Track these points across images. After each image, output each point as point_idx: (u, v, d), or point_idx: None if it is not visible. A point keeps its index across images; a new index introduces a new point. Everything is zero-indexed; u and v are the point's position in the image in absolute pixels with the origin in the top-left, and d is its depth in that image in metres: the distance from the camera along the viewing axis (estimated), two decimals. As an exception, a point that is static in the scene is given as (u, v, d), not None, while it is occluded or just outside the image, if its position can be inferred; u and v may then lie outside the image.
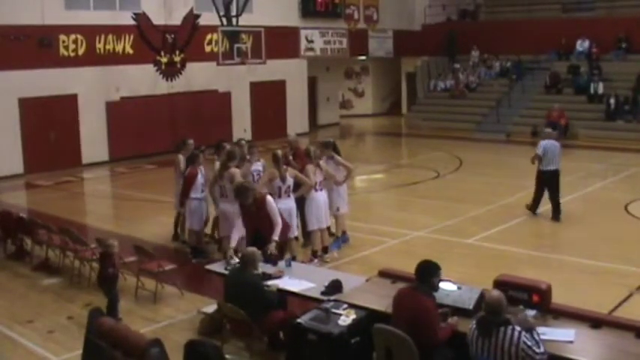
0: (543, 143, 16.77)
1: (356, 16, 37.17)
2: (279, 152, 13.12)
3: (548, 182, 16.70)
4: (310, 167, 13.14)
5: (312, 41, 34.41)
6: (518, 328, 6.73)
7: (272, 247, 10.81)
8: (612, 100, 30.51)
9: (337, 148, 14.32)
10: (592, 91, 31.87)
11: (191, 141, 15.02)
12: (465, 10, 40.60)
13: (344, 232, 14.46)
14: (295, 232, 12.84)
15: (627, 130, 29.40)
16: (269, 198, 11.52)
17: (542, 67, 35.04)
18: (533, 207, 17.05)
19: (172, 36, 28.19)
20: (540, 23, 35.73)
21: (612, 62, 33.13)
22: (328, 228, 13.91)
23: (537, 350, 6.69)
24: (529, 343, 6.66)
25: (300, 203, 13.63)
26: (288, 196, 12.64)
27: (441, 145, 29.35)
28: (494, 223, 16.28)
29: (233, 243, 11.03)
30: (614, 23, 33.82)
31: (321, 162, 13.46)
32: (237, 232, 11.23)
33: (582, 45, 34.44)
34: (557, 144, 16.89)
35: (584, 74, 32.99)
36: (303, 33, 33.96)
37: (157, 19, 27.56)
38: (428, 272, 7.63)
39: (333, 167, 13.81)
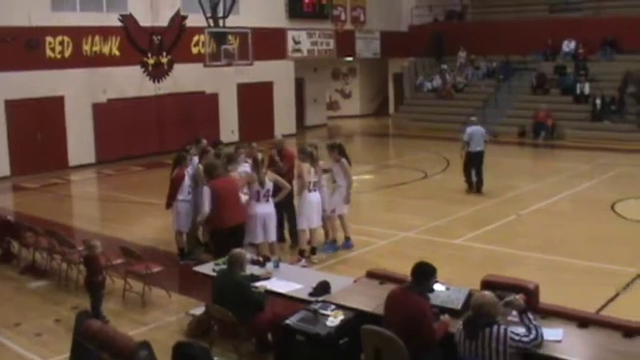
0: (468, 129, 19.52)
1: (343, 17, 37.17)
2: (260, 156, 13.13)
3: (475, 161, 19.25)
4: (306, 166, 13.17)
5: (299, 42, 34.40)
6: (504, 326, 6.76)
7: None
8: (599, 101, 30.65)
9: (343, 150, 14.23)
10: (578, 91, 31.99)
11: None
12: (452, 11, 40.71)
13: (334, 240, 14.32)
14: (274, 236, 12.81)
15: (614, 131, 29.51)
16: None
17: (529, 67, 35.19)
18: (470, 188, 19.47)
19: (159, 37, 28.15)
20: (527, 24, 35.82)
21: (599, 63, 33.31)
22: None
23: (526, 339, 6.73)
24: (517, 337, 6.71)
25: (287, 205, 13.70)
26: (267, 200, 12.59)
27: (429, 145, 29.39)
28: (482, 223, 16.34)
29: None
30: (600, 24, 33.96)
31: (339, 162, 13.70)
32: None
33: (569, 45, 34.61)
34: (482, 128, 19.63)
35: (570, 75, 33.13)
36: (290, 34, 33.95)
37: (144, 20, 27.53)
38: (425, 274, 7.67)
39: (338, 170, 13.89)
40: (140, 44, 27.62)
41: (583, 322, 7.61)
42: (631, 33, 32.27)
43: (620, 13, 34.13)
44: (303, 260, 13.08)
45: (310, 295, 9.00)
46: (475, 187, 19.42)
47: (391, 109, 41.07)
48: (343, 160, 13.91)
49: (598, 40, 33.57)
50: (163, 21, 28.24)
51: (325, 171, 13.93)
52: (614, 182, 21.46)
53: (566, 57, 34.44)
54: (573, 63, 33.73)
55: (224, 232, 11.87)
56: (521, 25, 35.76)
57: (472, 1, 41.14)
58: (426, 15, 40.20)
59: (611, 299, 11.11)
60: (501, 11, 38.91)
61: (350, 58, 39.47)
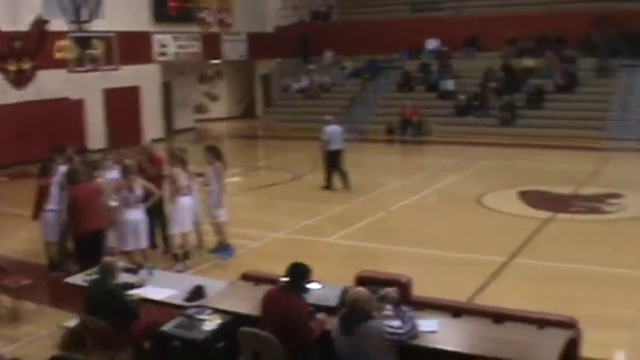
0: (327, 129, 20.02)
1: (209, 19, 36.94)
2: (128, 162, 13.03)
3: (335, 159, 19.78)
4: (177, 170, 13.10)
5: (165, 46, 34.04)
6: (379, 320, 6.89)
7: None
8: (462, 97, 31.50)
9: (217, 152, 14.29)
10: (443, 88, 32.79)
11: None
12: (318, 12, 40.94)
13: (226, 244, 14.23)
14: (145, 242, 12.69)
15: (477, 125, 30.37)
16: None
17: (395, 66, 35.81)
18: (327, 185, 19.93)
19: (20, 43, 27.32)
20: (391, 23, 36.44)
21: (461, 60, 34.23)
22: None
23: (402, 331, 6.89)
24: (392, 330, 6.86)
25: (158, 210, 13.60)
26: (137, 206, 12.47)
27: (297, 146, 29.49)
28: (352, 220, 16.56)
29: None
30: (461, 23, 34.93)
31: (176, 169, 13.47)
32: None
33: (432, 44, 35.44)
34: (339, 127, 20.25)
35: (434, 72, 33.95)
36: (155, 38, 33.54)
37: (3, 24, 26.63)
38: (299, 274, 7.73)
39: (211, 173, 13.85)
40: (0, 50, 26.77)
41: (456, 311, 7.85)
42: (490, 32, 33.43)
43: (479, 12, 35.27)
44: (177, 265, 13.00)
45: (185, 300, 8.96)
46: (343, 184, 19.69)
47: (259, 110, 41.11)
48: (217, 163, 13.89)
49: (460, 39, 34.54)
50: (24, 26, 27.40)
51: (198, 175, 13.88)
52: (480, 175, 22.07)
53: (430, 55, 35.25)
54: (437, 61, 34.58)
55: (86, 238, 11.86)
56: (385, 25, 36.34)
57: (337, 1, 41.55)
58: (291, 16, 40.39)
59: (481, 288, 11.47)
60: (366, 11, 39.46)
61: (217, 61, 39.28)
